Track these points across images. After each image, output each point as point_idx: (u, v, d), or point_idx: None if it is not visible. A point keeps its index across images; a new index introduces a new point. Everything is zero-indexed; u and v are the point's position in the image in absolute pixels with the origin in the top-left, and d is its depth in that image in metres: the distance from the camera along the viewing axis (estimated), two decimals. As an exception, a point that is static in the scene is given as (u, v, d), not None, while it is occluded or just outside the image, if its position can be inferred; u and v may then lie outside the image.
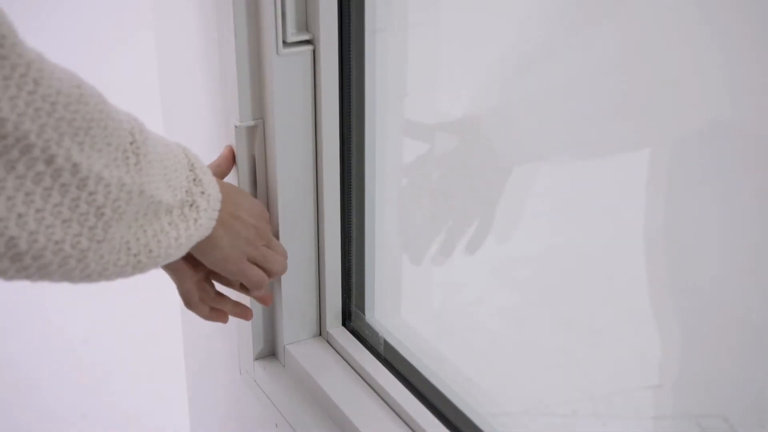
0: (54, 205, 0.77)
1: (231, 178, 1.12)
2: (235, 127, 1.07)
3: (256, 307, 1.17)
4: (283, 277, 1.13)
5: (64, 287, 2.80)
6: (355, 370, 1.14)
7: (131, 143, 0.83)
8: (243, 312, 1.08)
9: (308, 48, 1.05)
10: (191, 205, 0.91)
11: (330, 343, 1.18)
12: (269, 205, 1.11)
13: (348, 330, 1.18)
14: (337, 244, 1.14)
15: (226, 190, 0.97)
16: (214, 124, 1.16)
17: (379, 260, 1.17)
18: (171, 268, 1.01)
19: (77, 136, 0.78)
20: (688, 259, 0.93)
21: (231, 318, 1.21)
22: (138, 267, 0.86)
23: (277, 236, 1.11)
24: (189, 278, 1.02)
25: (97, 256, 0.81)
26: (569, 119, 0.99)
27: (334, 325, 1.18)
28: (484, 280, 1.17)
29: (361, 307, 1.18)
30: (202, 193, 0.92)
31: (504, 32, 1.02)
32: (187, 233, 0.90)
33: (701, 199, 0.89)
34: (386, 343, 1.13)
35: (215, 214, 0.94)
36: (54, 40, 4.03)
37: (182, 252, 0.90)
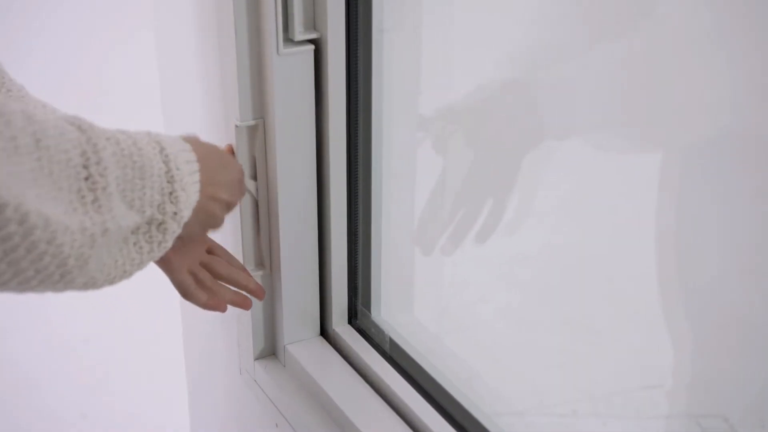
0: (15, 258, 0.73)
1: (231, 178, 1.12)
2: (236, 126, 1.08)
3: (257, 308, 1.17)
4: (284, 278, 1.14)
5: (64, 287, 2.75)
6: (360, 368, 1.14)
7: (86, 179, 0.78)
8: (241, 301, 1.07)
9: (309, 47, 1.05)
10: (159, 225, 0.85)
11: (336, 340, 1.18)
12: (269, 204, 1.11)
13: (354, 328, 1.18)
14: (343, 243, 1.14)
15: (209, 169, 0.92)
16: (214, 124, 1.16)
17: (386, 259, 1.17)
18: (159, 262, 0.98)
19: (33, 188, 0.73)
20: (689, 259, 0.93)
21: (231, 318, 1.21)
22: (94, 288, 0.84)
23: (277, 237, 1.12)
24: (178, 268, 1.00)
25: (48, 289, 0.79)
26: (574, 119, 0.99)
27: (340, 323, 1.18)
28: (488, 279, 1.17)
29: (367, 306, 1.18)
30: (175, 214, 0.86)
31: (512, 30, 1.02)
32: (149, 256, 0.86)
33: (701, 199, 0.89)
34: (392, 341, 1.13)
35: (188, 216, 0.89)
36: (54, 40, 4.04)
37: (141, 269, 0.87)
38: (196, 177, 0.89)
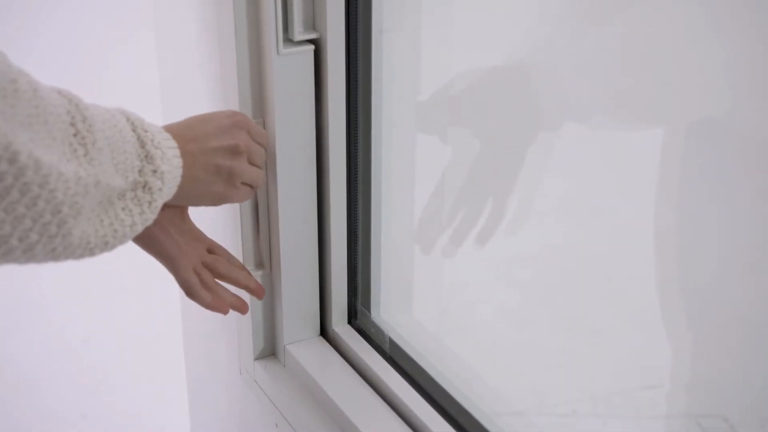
0: (10, 203, 0.75)
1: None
2: (236, 127, 1.08)
3: (257, 308, 1.17)
4: (283, 277, 1.14)
5: (65, 287, 2.81)
6: (360, 368, 1.14)
7: (75, 135, 0.80)
8: (240, 305, 1.07)
9: (309, 48, 1.05)
10: (144, 187, 0.87)
11: (335, 340, 1.18)
12: (269, 204, 1.11)
13: (354, 328, 1.18)
14: (343, 243, 1.14)
15: (185, 127, 0.94)
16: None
17: (385, 259, 1.17)
18: (165, 258, 1.00)
19: (27, 132, 0.75)
20: (689, 259, 0.93)
21: (231, 318, 1.21)
22: (89, 254, 0.84)
23: (277, 237, 1.12)
24: (184, 266, 1.01)
25: (48, 249, 0.80)
26: (574, 118, 0.99)
27: (340, 323, 1.18)
28: (488, 279, 1.17)
29: (367, 306, 1.18)
30: (154, 171, 0.88)
31: (511, 30, 1.02)
32: (142, 218, 0.87)
33: (701, 199, 0.89)
34: (391, 341, 1.14)
35: (178, 175, 0.91)
36: (54, 40, 4.04)
37: (138, 232, 0.88)
38: (166, 135, 0.91)
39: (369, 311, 1.18)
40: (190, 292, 1.02)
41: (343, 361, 1.16)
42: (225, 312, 1.05)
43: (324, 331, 1.20)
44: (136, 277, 2.79)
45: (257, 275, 1.14)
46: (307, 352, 1.17)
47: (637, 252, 0.97)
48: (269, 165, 1.09)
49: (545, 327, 1.10)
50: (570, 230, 1.06)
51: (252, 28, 1.04)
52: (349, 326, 1.19)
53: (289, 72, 1.04)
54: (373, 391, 1.11)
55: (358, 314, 1.18)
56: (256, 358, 1.21)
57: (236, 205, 1.12)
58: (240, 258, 1.14)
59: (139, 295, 2.69)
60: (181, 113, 1.33)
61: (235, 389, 1.31)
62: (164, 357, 2.26)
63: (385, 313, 1.19)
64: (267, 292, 1.16)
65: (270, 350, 1.21)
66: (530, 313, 1.13)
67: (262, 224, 1.13)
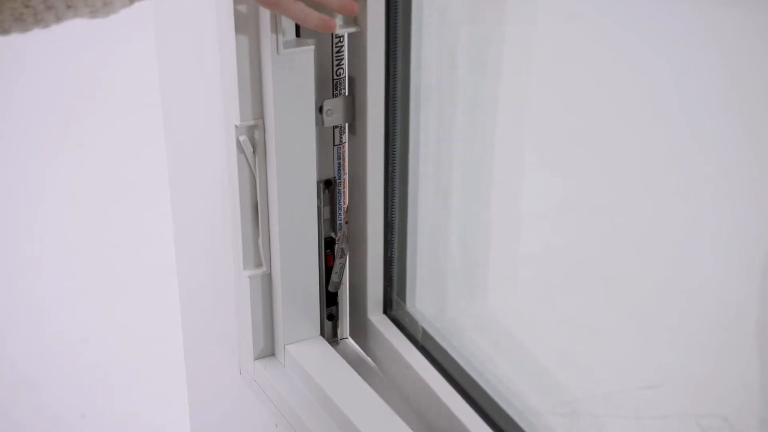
0: None
1: (229, 176, 1.12)
2: (236, 126, 1.08)
3: (257, 308, 1.17)
4: (284, 277, 1.14)
5: (65, 287, 2.80)
6: (393, 358, 1.14)
7: None
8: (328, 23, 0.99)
9: (309, 48, 1.05)
10: None
11: (370, 330, 1.19)
12: (269, 204, 1.11)
13: (389, 318, 1.18)
14: (380, 234, 1.14)
15: None
16: (214, 124, 1.16)
17: (421, 250, 1.18)
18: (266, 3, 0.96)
19: None
20: (689, 259, 0.93)
21: (231, 318, 1.21)
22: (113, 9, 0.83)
23: (277, 236, 1.12)
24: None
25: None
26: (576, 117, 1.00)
27: (375, 313, 1.18)
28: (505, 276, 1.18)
29: (402, 296, 1.18)
30: None
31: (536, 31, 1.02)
32: None
33: (702, 198, 0.90)
34: (424, 331, 1.14)
35: None
36: (55, 41, 4.04)
37: None
38: None
39: (404, 302, 1.18)
40: (304, 18, 0.97)
41: (344, 361, 1.16)
42: (334, 27, 0.99)
43: (357, 322, 1.20)
44: (136, 277, 2.79)
45: (257, 275, 1.15)
46: (307, 352, 1.17)
47: (638, 252, 0.97)
48: (269, 165, 1.09)
49: (546, 327, 1.10)
50: (570, 230, 1.06)
51: (252, 28, 1.04)
52: (384, 316, 1.19)
53: (290, 72, 1.04)
54: (373, 391, 1.12)
55: (393, 304, 1.19)
56: (256, 358, 1.21)
57: (236, 205, 1.12)
58: (240, 258, 1.14)
59: (139, 295, 2.69)
60: (181, 113, 1.33)
61: (235, 389, 1.31)
62: (164, 357, 2.26)
63: (420, 303, 1.19)
64: (266, 293, 1.16)
65: (270, 350, 1.21)
66: (531, 313, 1.13)
67: (261, 224, 1.13)
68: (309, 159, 1.10)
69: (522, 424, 1.04)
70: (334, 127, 1.12)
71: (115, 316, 2.65)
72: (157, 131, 1.52)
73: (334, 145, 1.13)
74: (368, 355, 1.20)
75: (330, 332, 1.22)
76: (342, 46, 1.08)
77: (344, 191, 1.15)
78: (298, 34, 1.05)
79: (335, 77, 1.09)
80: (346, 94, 1.10)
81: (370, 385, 1.13)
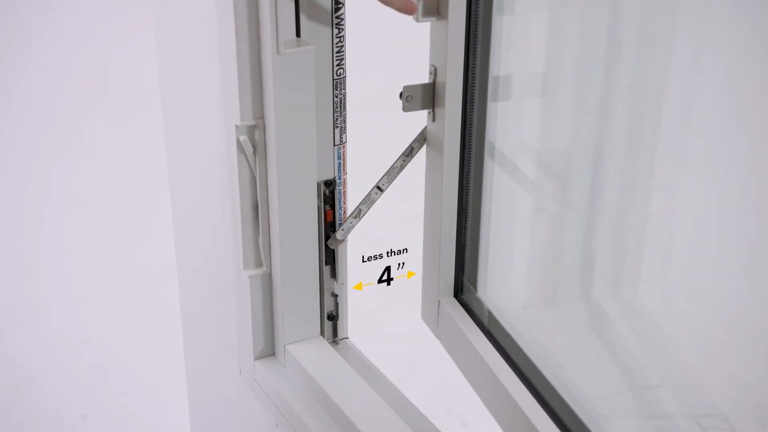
0: None
1: (229, 176, 1.12)
2: (236, 126, 1.08)
3: (257, 308, 1.17)
4: (284, 277, 1.14)
5: (65, 287, 2.80)
6: (462, 342, 1.14)
7: None
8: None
9: (309, 48, 1.05)
10: None
11: (441, 314, 1.19)
12: (269, 204, 1.11)
13: (459, 302, 1.18)
14: (453, 218, 1.14)
15: None
16: (214, 124, 1.16)
17: (494, 237, 1.17)
18: None
19: None
20: (689, 258, 0.93)
21: (231, 318, 1.21)
22: None
23: (277, 236, 1.12)
24: None
25: None
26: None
27: (446, 297, 1.19)
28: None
29: (473, 282, 1.18)
30: None
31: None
32: None
33: (702, 198, 0.90)
34: (490, 315, 1.14)
35: None
36: (56, 41, 4.04)
37: None
38: None
39: (474, 287, 1.18)
40: None
41: (344, 361, 1.16)
42: (415, 10, 1.03)
43: (427, 305, 1.21)
44: (136, 277, 2.79)
45: (257, 274, 1.15)
46: (307, 352, 1.17)
47: (638, 251, 0.97)
48: (269, 165, 1.09)
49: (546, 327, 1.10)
50: (569, 230, 1.06)
51: (252, 27, 1.04)
52: (454, 300, 1.19)
53: (290, 72, 1.04)
54: (373, 391, 1.11)
55: (463, 289, 1.19)
56: (256, 358, 1.21)
57: (236, 205, 1.12)
58: (240, 258, 1.14)
59: (139, 295, 2.69)
60: (181, 113, 1.33)
61: (235, 389, 1.31)
62: (164, 357, 2.26)
63: (490, 289, 1.19)
64: (266, 292, 1.17)
65: (270, 350, 1.21)
66: (537, 312, 1.13)
67: (262, 223, 1.13)
68: (309, 159, 1.10)
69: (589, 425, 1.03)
70: (334, 127, 1.12)
71: (116, 316, 2.66)
72: (157, 131, 1.52)
73: (334, 145, 1.13)
74: (437, 338, 1.20)
75: (330, 332, 1.22)
76: (342, 46, 1.08)
77: (344, 191, 1.15)
78: (298, 34, 1.05)
79: (335, 77, 1.10)
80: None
81: (370, 385, 1.13)
